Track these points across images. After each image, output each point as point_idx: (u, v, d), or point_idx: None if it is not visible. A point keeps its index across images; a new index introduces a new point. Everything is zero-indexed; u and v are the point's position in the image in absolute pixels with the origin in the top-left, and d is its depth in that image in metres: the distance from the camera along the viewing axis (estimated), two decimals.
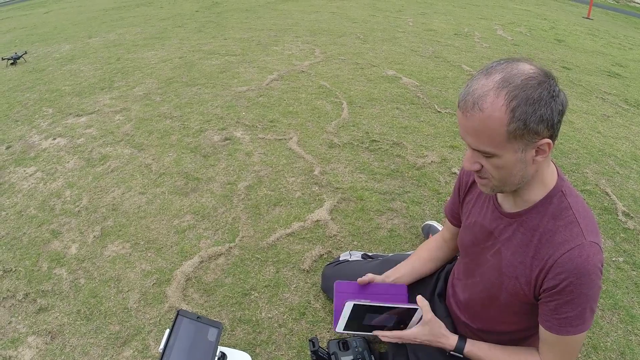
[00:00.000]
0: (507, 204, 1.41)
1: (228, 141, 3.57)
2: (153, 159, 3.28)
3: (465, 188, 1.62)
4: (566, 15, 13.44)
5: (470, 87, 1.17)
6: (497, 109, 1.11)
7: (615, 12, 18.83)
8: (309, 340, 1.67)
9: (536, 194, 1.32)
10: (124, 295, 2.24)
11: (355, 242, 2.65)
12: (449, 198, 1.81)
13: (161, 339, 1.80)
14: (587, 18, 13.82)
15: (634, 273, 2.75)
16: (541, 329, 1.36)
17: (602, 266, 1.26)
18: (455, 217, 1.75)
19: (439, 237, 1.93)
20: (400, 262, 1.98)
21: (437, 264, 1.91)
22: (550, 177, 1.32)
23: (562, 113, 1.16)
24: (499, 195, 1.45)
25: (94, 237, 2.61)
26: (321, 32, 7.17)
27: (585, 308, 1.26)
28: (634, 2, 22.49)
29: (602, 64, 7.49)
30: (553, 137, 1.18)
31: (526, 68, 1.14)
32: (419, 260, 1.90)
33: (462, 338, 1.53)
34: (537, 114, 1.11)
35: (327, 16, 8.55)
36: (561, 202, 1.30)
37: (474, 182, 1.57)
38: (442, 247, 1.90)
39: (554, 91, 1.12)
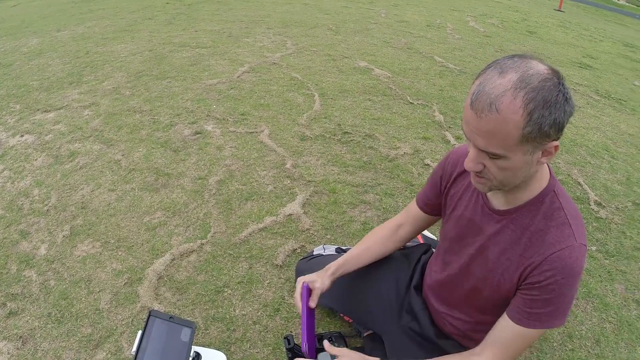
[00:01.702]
0: (497, 201, 1.39)
1: (199, 135, 3.54)
2: (122, 155, 3.23)
3: (449, 180, 1.58)
4: (538, 7, 13.58)
5: (484, 85, 1.10)
6: (514, 111, 1.06)
7: (587, 4, 19.10)
8: (284, 338, 1.66)
9: (529, 193, 1.31)
10: (95, 296, 2.20)
11: (328, 236, 2.65)
12: (423, 186, 1.78)
13: (134, 340, 1.78)
14: (558, 10, 14.00)
15: (607, 262, 2.80)
16: (503, 321, 1.37)
17: (583, 269, 1.27)
18: (429, 206, 1.71)
19: (390, 227, 1.87)
20: None
21: (376, 257, 1.86)
22: (544, 176, 1.31)
23: (571, 115, 1.13)
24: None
25: (64, 236, 2.56)
26: (293, 24, 7.14)
27: (558, 308, 1.27)
28: None
29: (573, 55, 7.58)
30: (559, 139, 1.16)
31: (541, 68, 1.10)
32: (366, 251, 1.85)
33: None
34: (552, 117, 1.08)
35: (300, 7, 8.52)
36: (553, 202, 1.30)
37: (459, 174, 1.54)
38: (388, 240, 1.86)
39: (567, 94, 1.10)
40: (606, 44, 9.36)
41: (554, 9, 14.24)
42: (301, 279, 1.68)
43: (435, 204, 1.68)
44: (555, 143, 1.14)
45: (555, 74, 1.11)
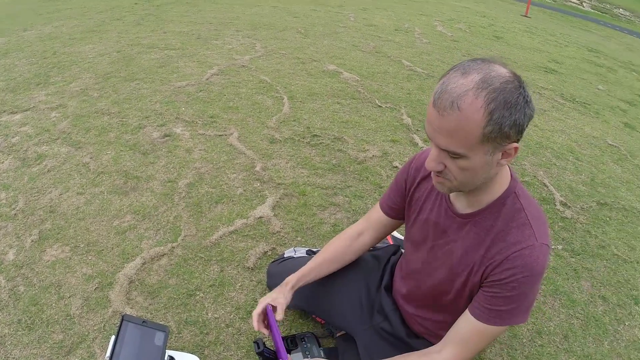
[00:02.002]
0: (460, 204, 1.42)
1: (168, 138, 3.52)
2: (91, 158, 3.20)
3: (413, 184, 1.60)
4: (505, 13, 13.81)
5: (447, 85, 1.12)
6: (476, 110, 1.08)
7: (553, 10, 19.47)
8: (254, 342, 1.67)
9: (490, 195, 1.33)
10: (66, 302, 2.17)
11: (299, 238, 2.67)
12: (386, 191, 1.79)
13: (107, 346, 1.77)
14: (525, 16, 14.25)
15: (573, 260, 2.89)
16: (464, 317, 1.40)
17: (545, 269, 1.30)
18: (394, 210, 1.73)
19: (349, 236, 1.86)
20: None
21: (335, 269, 1.86)
22: (504, 179, 1.34)
23: (531, 118, 1.16)
24: (452, 195, 1.45)
25: (32, 241, 2.52)
26: (262, 26, 7.14)
27: (519, 306, 1.30)
28: (570, 1, 23.25)
29: (538, 60, 7.73)
30: (519, 141, 1.18)
31: (503, 71, 1.12)
32: (325, 262, 1.84)
33: None
34: (512, 118, 1.10)
35: (269, 10, 8.51)
36: (514, 203, 1.32)
37: (423, 178, 1.56)
38: (348, 250, 1.85)
39: (527, 97, 1.12)
40: (571, 49, 9.55)
41: (521, 14, 14.49)
42: (263, 301, 1.66)
43: (400, 208, 1.70)
44: (515, 145, 1.17)
45: (517, 77, 1.13)
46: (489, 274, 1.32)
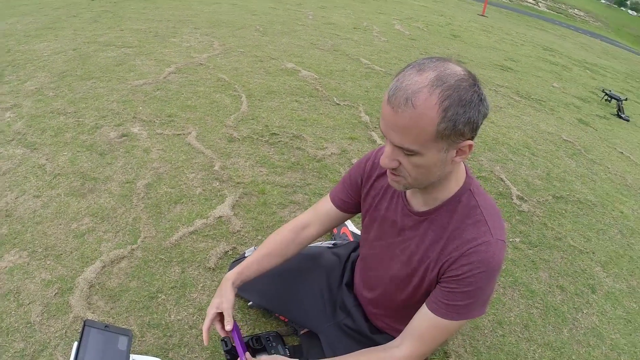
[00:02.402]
0: (416, 202, 1.42)
1: (125, 137, 3.49)
2: (47, 159, 3.15)
3: (369, 181, 1.60)
4: (462, 12, 14.03)
5: (401, 82, 1.12)
6: (430, 107, 1.08)
7: (509, 10, 19.90)
8: (221, 340, 1.67)
9: (446, 193, 1.34)
10: (26, 309, 2.12)
11: (259, 237, 2.68)
12: (337, 184, 1.77)
13: (70, 352, 1.75)
14: (482, 15, 14.54)
15: (531, 252, 2.99)
16: (422, 311, 1.40)
17: (502, 264, 1.31)
18: (346, 204, 1.71)
19: (293, 228, 1.79)
20: (306, 254, 2.00)
21: (277, 263, 1.77)
22: (460, 176, 1.35)
23: (485, 116, 1.17)
24: (408, 192, 1.45)
25: None
26: (221, 24, 7.11)
27: (476, 300, 1.32)
28: (526, 1, 23.72)
29: (495, 58, 7.91)
30: (473, 139, 1.19)
31: (458, 69, 1.13)
32: (266, 256, 1.75)
33: None
34: (467, 115, 1.11)
35: (227, 8, 8.48)
36: (470, 200, 1.34)
37: (379, 176, 1.56)
38: (291, 244, 1.78)
39: (482, 95, 1.14)
40: (527, 48, 9.78)
41: (478, 14, 14.78)
42: (210, 313, 1.58)
43: (354, 203, 1.69)
44: (470, 142, 1.18)
45: (472, 75, 1.15)
46: (445, 270, 1.34)
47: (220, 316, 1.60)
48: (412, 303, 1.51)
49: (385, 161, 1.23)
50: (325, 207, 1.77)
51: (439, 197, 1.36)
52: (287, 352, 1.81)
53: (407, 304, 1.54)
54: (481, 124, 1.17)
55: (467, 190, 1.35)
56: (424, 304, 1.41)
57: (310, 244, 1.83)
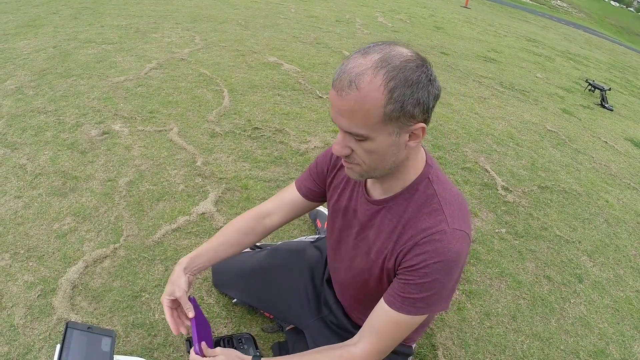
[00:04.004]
0: (375, 191, 1.40)
1: (106, 135, 3.47)
2: (28, 159, 3.12)
3: (333, 171, 1.58)
4: (445, 4, 14.09)
5: (346, 65, 1.11)
6: (375, 88, 1.06)
7: (492, 2, 20.02)
8: (186, 341, 1.65)
9: (403, 181, 1.31)
10: (9, 312, 2.09)
11: None
12: (304, 173, 1.73)
13: (53, 355, 1.74)
14: (465, 7, 14.61)
15: (517, 242, 3.01)
16: (379, 305, 1.36)
17: (465, 255, 1.27)
18: (313, 193, 1.68)
19: (254, 216, 1.74)
20: (289, 250, 2.00)
21: (234, 253, 1.72)
22: (418, 164, 1.32)
23: (437, 98, 1.15)
24: (368, 182, 1.44)
25: None
26: (202, 19, 7.08)
27: (434, 294, 1.26)
28: None
29: (478, 49, 7.95)
30: (427, 122, 1.17)
31: (404, 51, 1.11)
32: (223, 245, 1.69)
33: (257, 357, 1.44)
34: (415, 96, 1.08)
35: (209, 2, 8.44)
36: (427, 189, 1.30)
37: (342, 166, 1.53)
38: (250, 233, 1.72)
39: (431, 75, 1.11)
40: (510, 39, 9.83)
41: (461, 5, 14.85)
42: (164, 301, 1.53)
43: (319, 192, 1.66)
44: (422, 125, 1.15)
45: (420, 57, 1.12)
46: (401, 261, 1.30)
47: (178, 303, 1.54)
48: (379, 296, 1.44)
49: (336, 148, 1.22)
50: (290, 195, 1.73)
51: (397, 185, 1.33)
52: (258, 353, 1.79)
53: (374, 297, 1.46)
54: (433, 106, 1.15)
55: (426, 178, 1.32)
56: (382, 297, 1.37)
57: (271, 232, 1.78)
